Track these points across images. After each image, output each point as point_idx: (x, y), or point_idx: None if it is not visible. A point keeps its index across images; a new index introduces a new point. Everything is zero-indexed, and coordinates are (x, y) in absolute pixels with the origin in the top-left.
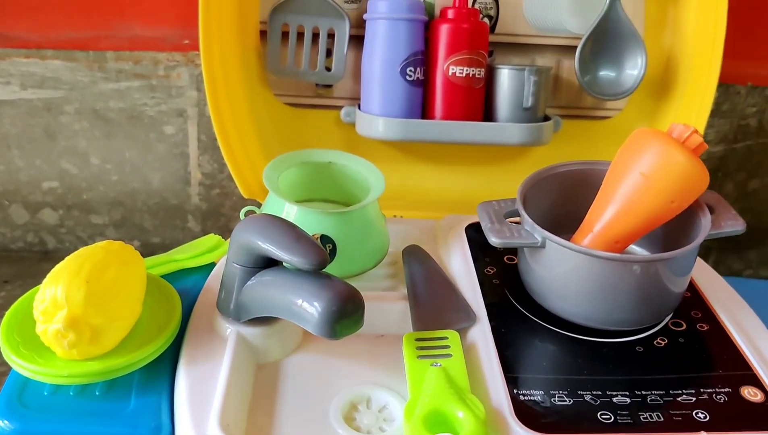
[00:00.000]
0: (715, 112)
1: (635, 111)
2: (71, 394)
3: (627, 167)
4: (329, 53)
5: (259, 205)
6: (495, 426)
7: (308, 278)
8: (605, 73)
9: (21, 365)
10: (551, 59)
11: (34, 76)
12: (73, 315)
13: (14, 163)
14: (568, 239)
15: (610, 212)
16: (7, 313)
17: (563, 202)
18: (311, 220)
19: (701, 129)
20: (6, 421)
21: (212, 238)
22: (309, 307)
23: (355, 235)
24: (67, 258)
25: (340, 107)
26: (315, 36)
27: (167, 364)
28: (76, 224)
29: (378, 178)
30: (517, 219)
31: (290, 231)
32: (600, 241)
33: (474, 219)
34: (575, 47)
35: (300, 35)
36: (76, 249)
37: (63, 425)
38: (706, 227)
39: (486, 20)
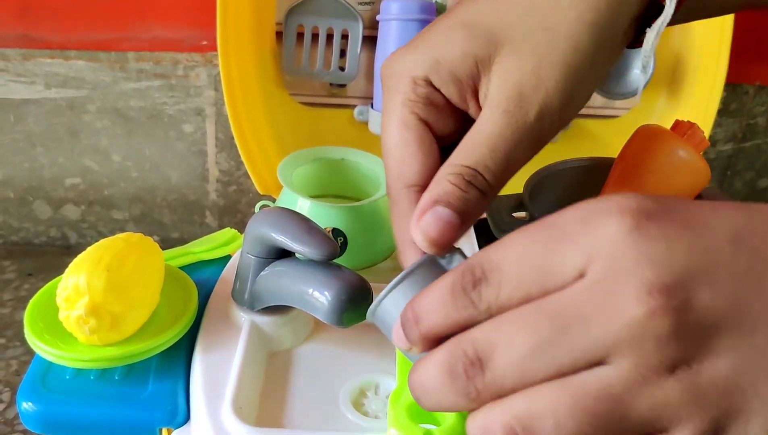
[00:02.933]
0: (723, 112)
1: (643, 110)
2: (92, 378)
3: (631, 163)
4: (343, 53)
5: (274, 201)
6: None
7: (319, 268)
8: (614, 73)
9: (44, 350)
10: None
11: (57, 75)
12: (94, 302)
13: (38, 160)
14: None
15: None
16: (32, 301)
17: (569, 197)
18: (323, 214)
19: (708, 128)
20: (30, 403)
21: (228, 232)
22: (319, 296)
23: (365, 228)
24: (89, 248)
25: (353, 106)
26: (329, 36)
27: (183, 350)
28: (97, 219)
29: None
30: (523, 214)
31: (303, 223)
32: None
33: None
34: None
35: (315, 36)
36: None
37: (83, 407)
38: None
39: None
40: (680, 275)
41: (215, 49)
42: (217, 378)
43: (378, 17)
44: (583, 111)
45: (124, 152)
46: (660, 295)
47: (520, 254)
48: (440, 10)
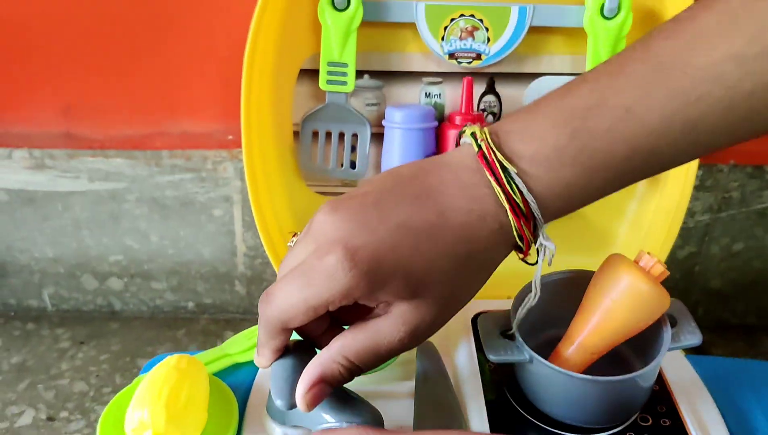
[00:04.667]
0: (700, 187)
1: (627, 192)
2: None
3: (601, 292)
4: (354, 148)
5: None
6: None
7: (343, 403)
8: None
9: None
10: None
11: (99, 171)
12: (157, 433)
13: (84, 241)
14: (558, 339)
15: (588, 328)
16: (102, 419)
17: (552, 308)
18: None
19: (686, 204)
20: None
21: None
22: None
23: None
24: (149, 379)
25: None
26: (342, 135)
27: None
28: (138, 289)
29: None
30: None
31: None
32: (580, 351)
33: (481, 305)
34: None
35: (329, 135)
36: (139, 310)
37: None
38: (666, 342)
39: (490, 117)
40: None
41: (239, 146)
42: None
43: (383, 122)
44: None
45: (161, 233)
46: None
47: None
48: (439, 109)
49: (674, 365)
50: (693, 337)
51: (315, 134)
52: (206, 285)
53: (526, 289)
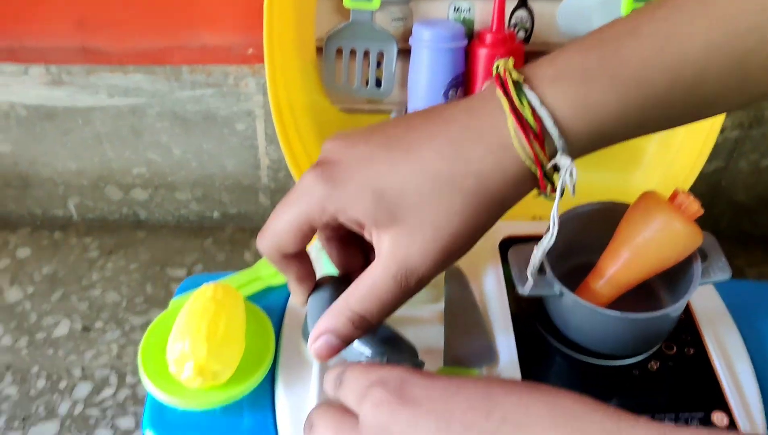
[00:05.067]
0: None
1: None
2: (198, 411)
3: (634, 228)
4: (379, 64)
5: None
6: None
7: (380, 337)
8: None
9: (160, 396)
10: None
11: (118, 87)
12: (199, 365)
13: (106, 154)
14: (587, 272)
15: (618, 263)
16: (141, 347)
17: (579, 240)
18: None
19: (719, 126)
20: (151, 432)
21: None
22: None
23: None
24: (188, 313)
25: (389, 111)
26: (366, 53)
27: (267, 382)
28: (163, 200)
29: None
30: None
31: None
32: (609, 285)
33: (508, 228)
34: None
35: (353, 53)
36: (165, 220)
37: None
38: (697, 278)
39: (522, 33)
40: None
41: (261, 61)
42: (298, 414)
43: (410, 40)
44: None
45: (183, 147)
46: None
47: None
48: (468, 25)
49: (701, 293)
50: (723, 272)
51: (339, 52)
52: (231, 196)
53: (565, 215)
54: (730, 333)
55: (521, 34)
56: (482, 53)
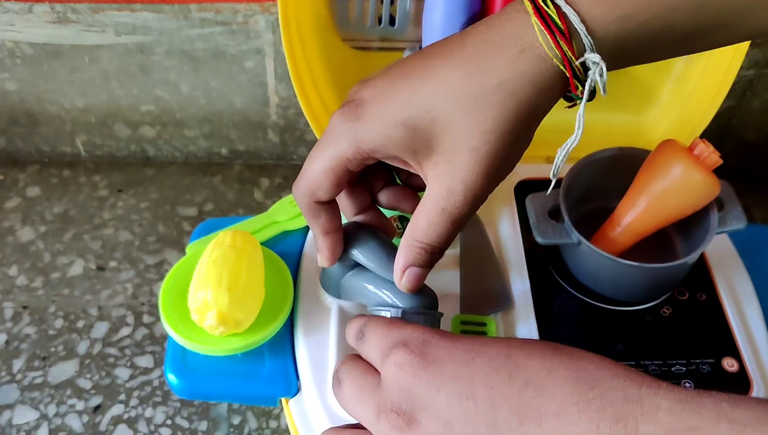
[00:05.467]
0: (752, 44)
1: None
2: (220, 356)
3: (653, 177)
4: (393, 1)
5: None
6: None
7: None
8: None
9: (182, 341)
10: None
11: (126, 25)
12: (221, 314)
13: (114, 92)
14: (605, 216)
15: (636, 211)
16: (162, 294)
17: (597, 185)
18: None
19: (739, 62)
20: (173, 376)
21: None
22: (396, 306)
23: None
24: (208, 262)
25: (403, 49)
26: None
27: (287, 328)
28: (171, 137)
29: None
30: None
31: (384, 246)
32: (626, 233)
33: (523, 171)
34: None
35: None
36: (173, 156)
37: (218, 382)
38: (713, 228)
39: None
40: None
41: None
42: (318, 359)
43: None
44: None
45: (192, 84)
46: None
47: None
48: None
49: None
50: (738, 221)
51: None
52: (239, 133)
53: (574, 169)
54: (742, 278)
55: None
56: None
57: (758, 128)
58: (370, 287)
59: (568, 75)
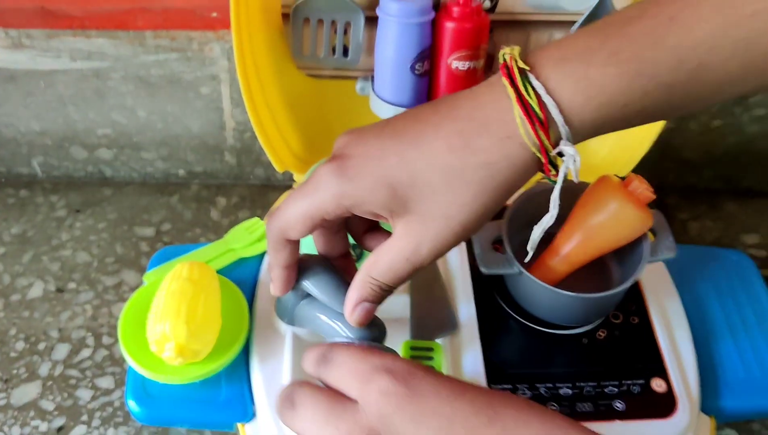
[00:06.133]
0: None
1: None
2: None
3: (590, 211)
4: (346, 32)
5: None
6: None
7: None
8: None
9: (142, 371)
10: (545, 33)
11: (81, 51)
12: (179, 346)
13: (70, 116)
14: (546, 244)
15: (573, 242)
16: (121, 324)
17: (544, 210)
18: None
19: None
20: (134, 403)
21: (259, 225)
22: (348, 337)
23: None
24: (165, 295)
25: (356, 78)
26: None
27: (243, 356)
28: (128, 159)
29: None
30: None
31: (334, 279)
32: (564, 262)
33: None
34: (567, 22)
35: (321, 22)
36: (131, 178)
37: (177, 409)
38: (645, 257)
39: (487, 3)
40: None
41: (226, 26)
42: (272, 382)
43: (378, 10)
44: None
45: (148, 109)
46: None
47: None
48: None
49: (651, 268)
50: (669, 251)
51: (306, 20)
52: (196, 155)
53: (518, 200)
54: (673, 302)
55: (487, 4)
56: (449, 26)
57: (696, 148)
58: (323, 318)
59: (543, 161)
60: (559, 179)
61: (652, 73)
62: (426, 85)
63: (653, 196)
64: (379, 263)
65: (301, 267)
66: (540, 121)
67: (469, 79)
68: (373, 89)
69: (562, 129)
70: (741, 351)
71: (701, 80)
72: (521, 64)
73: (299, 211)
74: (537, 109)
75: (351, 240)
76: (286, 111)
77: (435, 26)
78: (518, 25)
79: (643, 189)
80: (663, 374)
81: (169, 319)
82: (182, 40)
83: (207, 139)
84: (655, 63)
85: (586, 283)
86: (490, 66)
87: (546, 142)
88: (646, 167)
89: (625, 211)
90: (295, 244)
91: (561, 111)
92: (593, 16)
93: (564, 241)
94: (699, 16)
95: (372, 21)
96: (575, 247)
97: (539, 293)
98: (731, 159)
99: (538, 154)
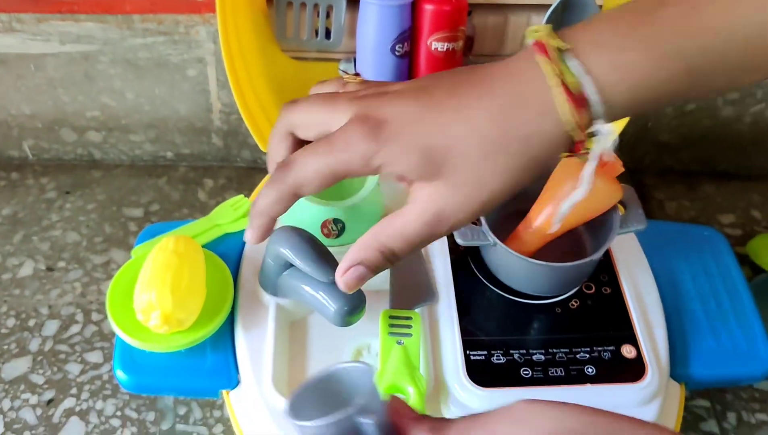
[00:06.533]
0: None
1: None
2: (165, 353)
3: (561, 184)
4: (328, 15)
5: None
6: (452, 380)
7: (327, 282)
8: None
9: (129, 340)
10: (523, 16)
11: (70, 34)
12: (165, 314)
13: (60, 99)
14: (521, 218)
15: (545, 215)
16: (109, 295)
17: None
18: (329, 210)
19: None
20: (122, 372)
21: (244, 202)
22: (329, 306)
23: (356, 216)
24: (152, 266)
25: (338, 60)
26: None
27: (227, 325)
28: (117, 141)
29: None
30: None
31: (314, 249)
32: (537, 234)
33: None
34: (544, 6)
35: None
36: (119, 159)
37: (164, 377)
38: (615, 229)
39: None
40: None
41: (211, 10)
42: (257, 353)
43: None
44: None
45: (136, 91)
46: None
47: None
48: None
49: (619, 237)
50: (639, 223)
51: (289, 4)
52: (184, 137)
53: None
54: (644, 273)
55: None
56: (427, 9)
57: (671, 131)
58: (306, 288)
59: (580, 139)
60: (594, 156)
61: (678, 59)
62: (406, 65)
63: (622, 169)
64: (390, 226)
65: (283, 237)
66: (578, 99)
67: (448, 60)
68: (355, 70)
69: (599, 108)
70: (711, 321)
71: (726, 64)
72: (559, 44)
73: (321, 167)
74: (577, 87)
75: (326, 215)
76: (270, 92)
77: (414, 9)
78: (496, 8)
79: (612, 161)
80: (633, 341)
81: (155, 289)
82: (169, 23)
83: (194, 121)
84: (682, 50)
85: (561, 255)
86: (469, 48)
87: (585, 121)
88: (624, 150)
89: (595, 183)
90: (295, 198)
91: (599, 90)
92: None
93: (537, 214)
94: (720, 5)
95: (353, 4)
96: (547, 219)
97: (514, 264)
98: (707, 142)
99: (574, 132)
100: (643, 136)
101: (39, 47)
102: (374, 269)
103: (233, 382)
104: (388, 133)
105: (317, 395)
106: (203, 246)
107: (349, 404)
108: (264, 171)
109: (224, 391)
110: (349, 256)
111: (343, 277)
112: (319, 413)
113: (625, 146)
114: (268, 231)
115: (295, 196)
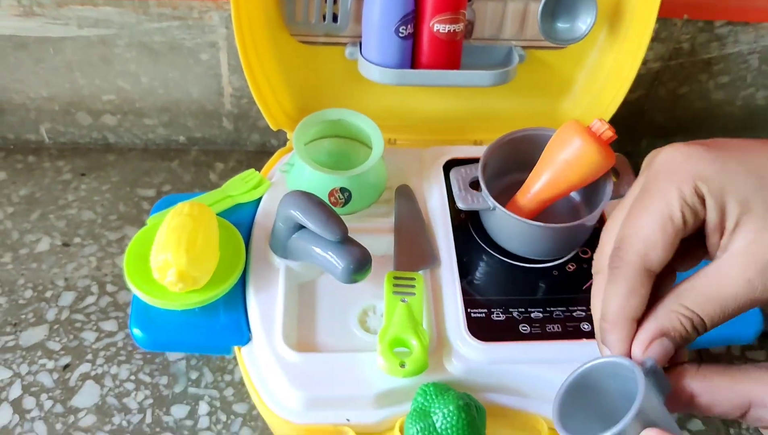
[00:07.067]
0: (654, 39)
1: (588, 41)
2: (179, 311)
3: (557, 151)
4: (335, 1)
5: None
6: (454, 336)
7: (334, 242)
8: (561, 24)
9: (145, 298)
10: (520, 1)
11: (88, 18)
12: (180, 272)
13: (77, 82)
14: (520, 182)
15: (542, 181)
16: (126, 256)
17: (520, 153)
18: (336, 179)
19: (642, 56)
20: (138, 330)
21: (255, 175)
22: (336, 264)
23: (361, 184)
24: (167, 228)
25: (345, 43)
26: None
27: (239, 285)
28: (132, 125)
29: (377, 137)
30: None
31: (323, 210)
32: (534, 200)
33: (451, 152)
34: None
35: None
36: (133, 143)
37: (178, 334)
38: (608, 194)
39: None
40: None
41: None
42: (267, 309)
43: None
44: (536, 43)
45: (151, 75)
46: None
47: None
48: None
49: (614, 205)
50: None
51: None
52: (195, 121)
53: (493, 147)
54: None
55: None
56: None
57: (666, 112)
58: (316, 249)
59: None
60: None
61: None
62: (410, 47)
63: (614, 136)
64: (703, 287)
65: (293, 200)
66: None
67: (449, 42)
68: (360, 53)
69: None
70: None
71: None
72: None
73: (659, 228)
74: None
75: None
76: (280, 75)
77: None
78: None
79: (605, 129)
80: None
81: (171, 249)
82: (184, 8)
83: (206, 104)
84: None
85: (557, 221)
86: (470, 32)
87: None
88: (620, 132)
89: (588, 148)
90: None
91: None
92: None
93: (534, 180)
94: None
95: None
96: (544, 185)
97: (512, 227)
98: (700, 124)
99: None
100: (639, 119)
101: (58, 31)
102: (680, 343)
103: (245, 338)
104: (721, 151)
105: (575, 401)
106: (217, 214)
107: (614, 406)
108: (271, 154)
109: (236, 347)
110: (647, 326)
111: (645, 351)
112: (588, 423)
113: (621, 129)
114: (630, 335)
115: (650, 275)
